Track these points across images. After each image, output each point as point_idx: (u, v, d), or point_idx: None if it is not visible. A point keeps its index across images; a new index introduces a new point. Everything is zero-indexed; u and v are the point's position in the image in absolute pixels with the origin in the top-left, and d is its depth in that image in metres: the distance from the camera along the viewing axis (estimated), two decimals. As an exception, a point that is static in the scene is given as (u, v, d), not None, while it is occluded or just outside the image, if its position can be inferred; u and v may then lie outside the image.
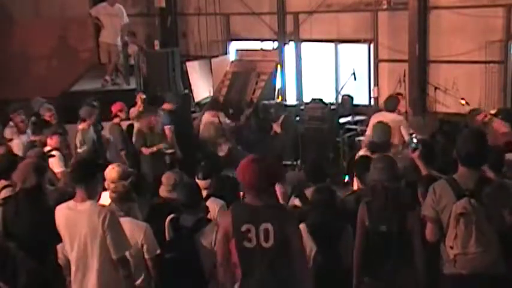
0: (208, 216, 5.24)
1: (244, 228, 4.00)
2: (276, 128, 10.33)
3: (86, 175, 4.44)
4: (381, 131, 6.88)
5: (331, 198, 5.11)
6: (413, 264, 4.54)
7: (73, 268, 4.46)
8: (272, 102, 12.18)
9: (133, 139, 9.23)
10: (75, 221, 4.35)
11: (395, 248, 4.56)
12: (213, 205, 5.46)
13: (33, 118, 9.00)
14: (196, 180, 5.67)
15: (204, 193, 5.54)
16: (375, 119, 8.16)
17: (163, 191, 5.56)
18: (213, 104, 10.79)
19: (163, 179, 5.59)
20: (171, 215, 4.97)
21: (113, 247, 4.31)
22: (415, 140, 5.56)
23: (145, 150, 8.92)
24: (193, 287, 4.79)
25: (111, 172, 5.68)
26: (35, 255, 4.83)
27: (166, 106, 9.98)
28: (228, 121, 10.58)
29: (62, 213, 4.43)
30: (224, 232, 4.11)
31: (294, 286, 4.06)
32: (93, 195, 4.43)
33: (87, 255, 4.35)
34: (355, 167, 5.90)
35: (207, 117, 10.46)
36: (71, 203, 4.43)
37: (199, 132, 10.56)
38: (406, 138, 7.75)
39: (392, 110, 8.42)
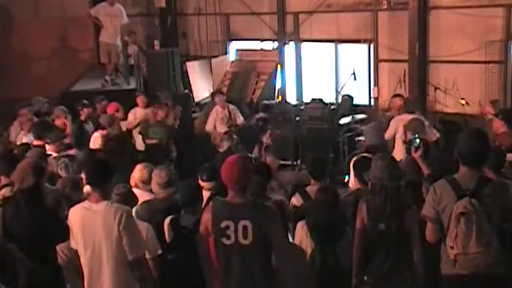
0: None
1: (223, 224, 4.04)
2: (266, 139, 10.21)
3: (103, 177, 4.41)
4: (375, 133, 6.87)
5: (334, 199, 5.11)
6: (412, 263, 4.55)
7: (86, 269, 4.40)
8: (272, 102, 12.19)
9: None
10: (90, 221, 4.31)
11: (395, 247, 4.56)
12: None
13: (35, 119, 8.97)
14: (200, 182, 5.67)
15: (205, 194, 5.54)
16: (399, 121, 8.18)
17: (157, 188, 5.52)
18: (216, 91, 10.80)
19: (154, 175, 5.52)
20: (170, 216, 4.95)
21: (129, 248, 4.27)
22: (417, 140, 5.56)
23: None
24: (195, 287, 4.78)
25: (142, 172, 5.70)
26: (34, 256, 4.81)
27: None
28: (239, 117, 10.56)
29: (78, 214, 4.39)
30: (204, 228, 4.16)
31: (271, 285, 4.07)
32: (108, 195, 4.40)
33: (101, 255, 4.31)
34: (354, 167, 5.89)
35: (217, 108, 10.46)
36: (86, 203, 4.40)
37: (207, 121, 10.58)
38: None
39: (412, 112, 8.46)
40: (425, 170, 5.40)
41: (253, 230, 3.99)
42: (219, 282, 4.15)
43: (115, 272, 4.30)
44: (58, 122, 8.78)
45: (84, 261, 4.40)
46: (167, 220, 4.92)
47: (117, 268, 4.30)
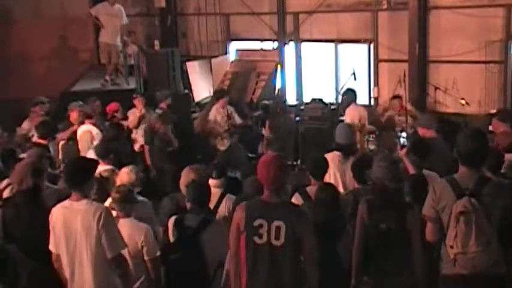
0: (224, 213, 5.30)
1: (256, 223, 4.04)
2: (265, 132, 10.23)
3: (82, 178, 4.42)
4: (345, 132, 6.97)
5: (333, 197, 5.12)
6: (412, 263, 4.54)
7: (68, 268, 4.42)
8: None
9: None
10: (71, 219, 4.34)
11: (395, 247, 4.55)
12: (229, 201, 5.50)
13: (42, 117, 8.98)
14: (210, 179, 5.71)
15: (216, 191, 5.55)
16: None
17: (183, 187, 5.56)
18: (219, 94, 10.77)
19: (183, 175, 5.58)
20: (175, 216, 4.95)
21: (108, 246, 4.30)
22: (401, 139, 5.57)
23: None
24: (198, 286, 4.78)
25: (130, 175, 5.71)
26: (35, 257, 4.82)
27: (163, 105, 10.08)
28: (237, 118, 10.55)
29: (59, 213, 4.41)
30: (236, 225, 4.14)
31: (297, 286, 4.07)
32: (88, 193, 4.43)
33: (82, 254, 4.34)
34: (352, 168, 5.89)
35: (216, 107, 10.46)
36: (66, 202, 4.43)
37: (206, 121, 10.55)
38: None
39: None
40: (411, 170, 5.38)
41: (286, 231, 3.99)
42: (245, 281, 4.14)
43: (96, 270, 4.33)
44: (72, 118, 8.82)
45: (66, 259, 4.42)
46: (171, 220, 4.92)
47: (98, 266, 4.33)
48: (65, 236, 4.39)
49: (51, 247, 4.51)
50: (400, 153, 5.51)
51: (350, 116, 9.16)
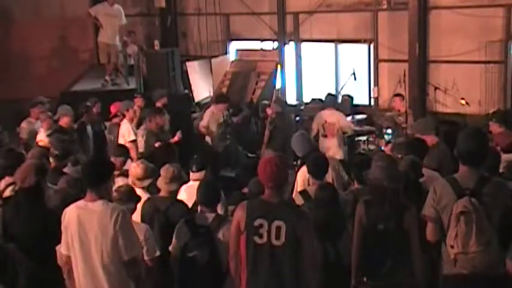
0: None
1: (257, 223, 4.03)
2: (270, 110, 10.04)
3: (100, 178, 4.36)
4: (298, 144, 7.05)
5: (333, 197, 5.12)
6: (412, 264, 4.54)
7: (81, 269, 4.34)
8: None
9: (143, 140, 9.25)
10: (87, 220, 4.27)
11: (394, 247, 4.55)
12: None
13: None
14: (190, 173, 5.70)
15: (197, 184, 5.53)
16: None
17: (161, 183, 5.56)
18: (220, 98, 10.74)
19: (162, 171, 5.56)
20: (183, 218, 4.93)
21: (125, 248, 4.23)
22: (386, 136, 5.56)
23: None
24: (213, 283, 4.79)
25: (136, 169, 5.77)
26: (34, 256, 4.81)
27: (159, 104, 10.06)
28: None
29: (73, 212, 4.33)
30: (236, 225, 4.14)
31: (297, 287, 4.07)
32: (104, 195, 4.35)
33: (96, 255, 4.27)
34: (352, 167, 5.89)
35: (212, 109, 10.43)
36: (80, 202, 4.35)
37: (203, 122, 10.53)
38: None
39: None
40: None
41: (286, 231, 3.99)
42: (245, 280, 4.13)
43: (110, 271, 4.27)
44: (63, 122, 8.78)
45: (79, 260, 4.35)
46: (181, 222, 4.90)
47: (112, 268, 4.27)
48: (79, 236, 4.31)
49: (62, 249, 4.44)
50: (385, 149, 5.49)
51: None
